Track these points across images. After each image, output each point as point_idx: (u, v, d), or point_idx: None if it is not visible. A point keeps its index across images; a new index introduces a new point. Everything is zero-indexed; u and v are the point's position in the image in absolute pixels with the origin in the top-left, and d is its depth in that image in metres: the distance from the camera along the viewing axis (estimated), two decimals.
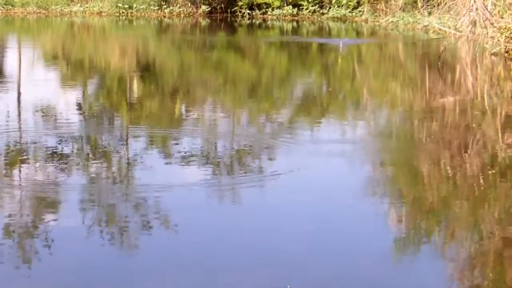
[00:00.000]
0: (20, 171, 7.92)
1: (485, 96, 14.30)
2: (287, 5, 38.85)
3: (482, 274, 5.38)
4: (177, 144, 9.37)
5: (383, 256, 5.62)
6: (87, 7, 39.33)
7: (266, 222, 6.43)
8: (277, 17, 38.54)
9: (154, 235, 5.99)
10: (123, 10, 38.68)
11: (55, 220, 6.32)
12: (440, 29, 25.45)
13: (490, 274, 5.34)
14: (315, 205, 6.95)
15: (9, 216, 6.30)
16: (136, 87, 15.15)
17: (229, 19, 37.83)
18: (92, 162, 8.30)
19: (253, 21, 37.42)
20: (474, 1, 20.15)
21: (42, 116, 11.22)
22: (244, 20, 37.81)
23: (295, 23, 36.34)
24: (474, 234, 6.27)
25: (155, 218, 6.35)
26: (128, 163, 8.32)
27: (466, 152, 9.33)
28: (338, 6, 38.31)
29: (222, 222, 6.41)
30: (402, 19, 33.70)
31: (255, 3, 39.14)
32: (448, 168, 8.45)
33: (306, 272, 5.23)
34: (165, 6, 38.87)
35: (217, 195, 7.19)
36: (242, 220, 6.52)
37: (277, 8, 38.84)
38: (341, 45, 20.04)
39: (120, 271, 5.31)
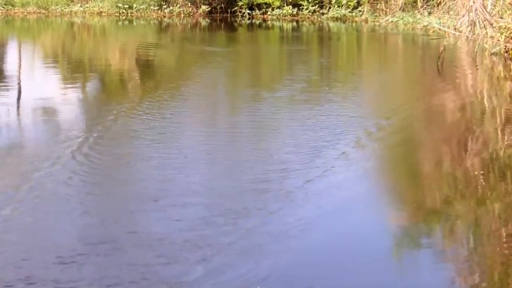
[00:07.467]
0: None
1: (485, 96, 14.29)
2: (287, 5, 38.86)
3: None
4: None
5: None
6: (87, 7, 39.34)
7: None
8: (277, 17, 38.55)
9: None
10: (123, 10, 38.68)
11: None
12: (440, 29, 25.46)
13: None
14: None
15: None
16: (136, 86, 15.17)
17: (229, 19, 37.82)
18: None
19: (253, 21, 37.41)
20: (474, 2, 20.15)
21: (41, 114, 11.23)
22: (244, 20, 37.81)
23: (295, 23, 36.34)
24: (481, 234, 6.27)
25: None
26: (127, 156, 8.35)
27: (465, 151, 9.32)
28: (338, 6, 38.32)
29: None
30: (402, 19, 33.72)
31: (255, 3, 39.16)
32: (447, 167, 8.45)
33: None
34: (165, 6, 38.89)
35: None
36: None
37: (277, 8, 38.86)
38: None
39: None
